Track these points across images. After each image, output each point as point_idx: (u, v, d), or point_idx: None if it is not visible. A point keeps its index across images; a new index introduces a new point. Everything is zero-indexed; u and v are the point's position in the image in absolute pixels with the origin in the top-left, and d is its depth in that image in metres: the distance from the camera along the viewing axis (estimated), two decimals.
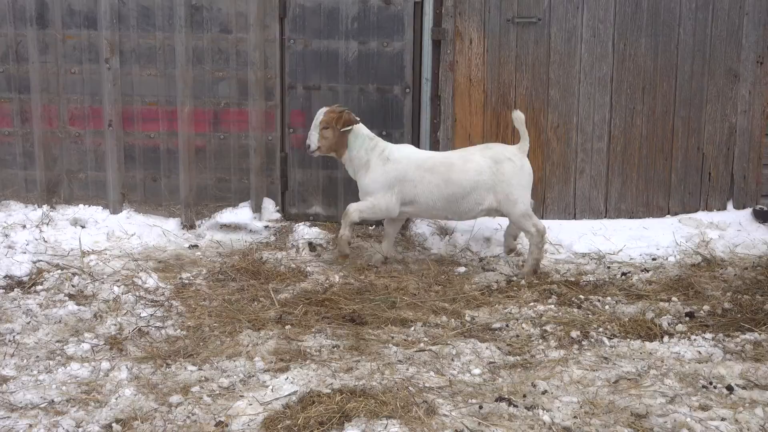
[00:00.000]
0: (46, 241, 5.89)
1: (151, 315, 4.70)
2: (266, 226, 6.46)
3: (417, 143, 6.52)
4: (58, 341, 4.32)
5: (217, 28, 6.39)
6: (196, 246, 6.10)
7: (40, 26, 6.37)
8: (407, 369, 3.99)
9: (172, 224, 6.42)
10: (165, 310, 4.79)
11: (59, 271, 5.25)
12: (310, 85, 6.45)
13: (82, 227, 6.23)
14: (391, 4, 6.31)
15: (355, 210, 5.62)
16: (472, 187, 5.55)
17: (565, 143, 6.56)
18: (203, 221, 6.47)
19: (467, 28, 6.43)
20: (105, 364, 4.00)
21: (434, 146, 6.61)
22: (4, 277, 5.20)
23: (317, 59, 6.42)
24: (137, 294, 4.98)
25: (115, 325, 4.53)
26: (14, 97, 6.47)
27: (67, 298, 4.90)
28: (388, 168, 5.63)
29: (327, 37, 6.38)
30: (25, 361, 4.07)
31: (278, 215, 6.57)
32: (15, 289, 5.03)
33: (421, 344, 4.35)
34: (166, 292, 5.08)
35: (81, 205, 6.51)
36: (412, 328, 4.60)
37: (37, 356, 4.12)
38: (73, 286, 5.07)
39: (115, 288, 5.00)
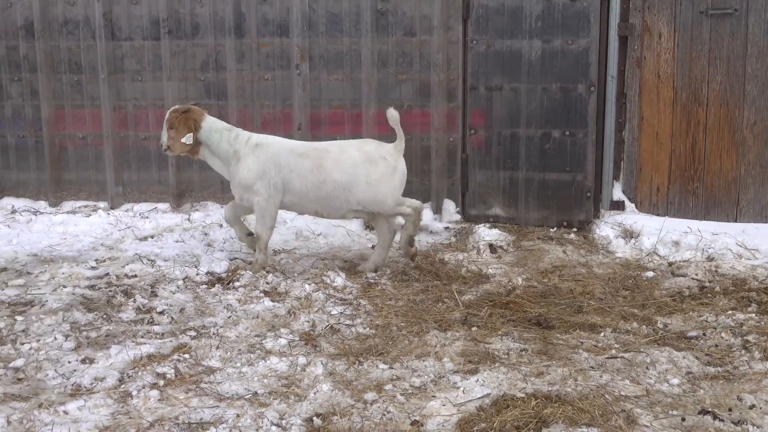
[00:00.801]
0: (240, 240, 6.20)
1: (341, 313, 4.83)
2: (446, 228, 6.50)
3: (601, 143, 6.37)
4: (256, 336, 4.51)
5: (401, 32, 6.49)
6: None
7: (237, 36, 6.72)
8: (601, 376, 3.89)
9: (355, 225, 6.58)
10: (354, 308, 4.92)
11: None
12: (492, 85, 6.43)
13: None
14: (576, 1, 6.18)
15: (260, 231, 5.44)
16: (345, 181, 5.32)
17: (762, 141, 6.17)
18: None
19: (656, 23, 6.19)
20: (301, 359, 4.13)
21: (619, 146, 6.42)
22: (206, 273, 5.50)
23: (499, 59, 6.38)
24: (327, 292, 5.13)
25: (308, 321, 4.68)
26: (213, 103, 6.87)
27: (262, 294, 5.11)
28: (258, 153, 5.38)
29: (510, 37, 6.33)
30: (228, 353, 4.26)
31: (458, 216, 6.61)
32: (216, 285, 5.31)
33: (613, 351, 4.22)
34: (354, 291, 5.20)
35: None
36: (602, 334, 4.47)
37: (239, 349, 4.31)
38: (267, 283, 5.29)
39: (306, 286, 5.16)
